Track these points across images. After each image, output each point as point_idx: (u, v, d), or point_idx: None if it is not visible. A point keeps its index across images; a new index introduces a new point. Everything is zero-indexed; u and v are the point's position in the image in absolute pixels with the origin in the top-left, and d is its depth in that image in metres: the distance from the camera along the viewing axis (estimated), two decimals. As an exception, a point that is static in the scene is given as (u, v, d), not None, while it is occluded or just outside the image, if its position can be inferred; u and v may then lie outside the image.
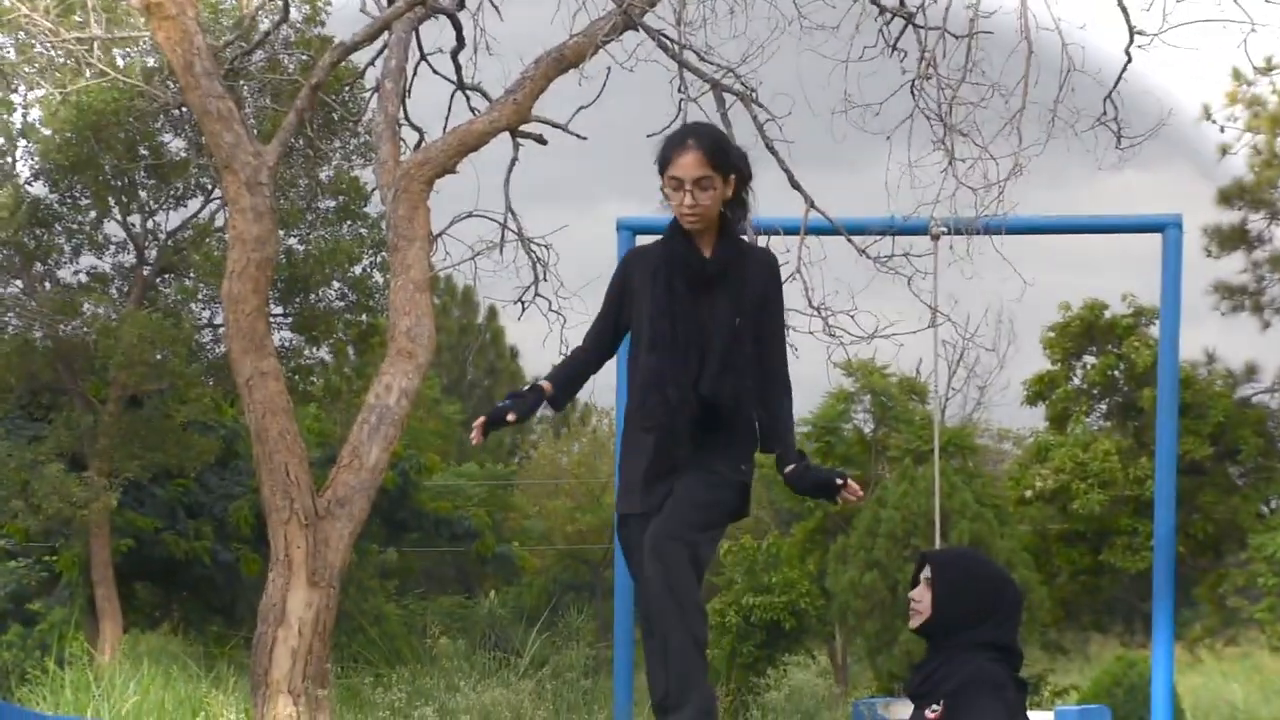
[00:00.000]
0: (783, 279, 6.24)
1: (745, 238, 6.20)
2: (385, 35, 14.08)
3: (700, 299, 5.95)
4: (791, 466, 5.90)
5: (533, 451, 44.65)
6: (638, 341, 6.30)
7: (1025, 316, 29.74)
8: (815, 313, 13.81)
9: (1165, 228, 14.93)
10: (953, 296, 14.64)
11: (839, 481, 5.86)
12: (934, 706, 5.72)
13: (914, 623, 5.87)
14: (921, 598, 5.82)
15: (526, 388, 6.46)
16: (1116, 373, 27.02)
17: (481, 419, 6.30)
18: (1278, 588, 25.14)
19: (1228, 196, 25.98)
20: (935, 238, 13.70)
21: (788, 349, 6.21)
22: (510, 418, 6.24)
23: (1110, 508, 25.81)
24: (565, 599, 32.74)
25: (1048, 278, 36.71)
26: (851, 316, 13.89)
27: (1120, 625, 31.28)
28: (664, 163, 5.94)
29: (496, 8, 14.41)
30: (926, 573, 5.86)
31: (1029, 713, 17.83)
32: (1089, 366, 27.67)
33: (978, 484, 23.23)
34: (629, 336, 6.47)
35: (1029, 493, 26.31)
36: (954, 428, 23.60)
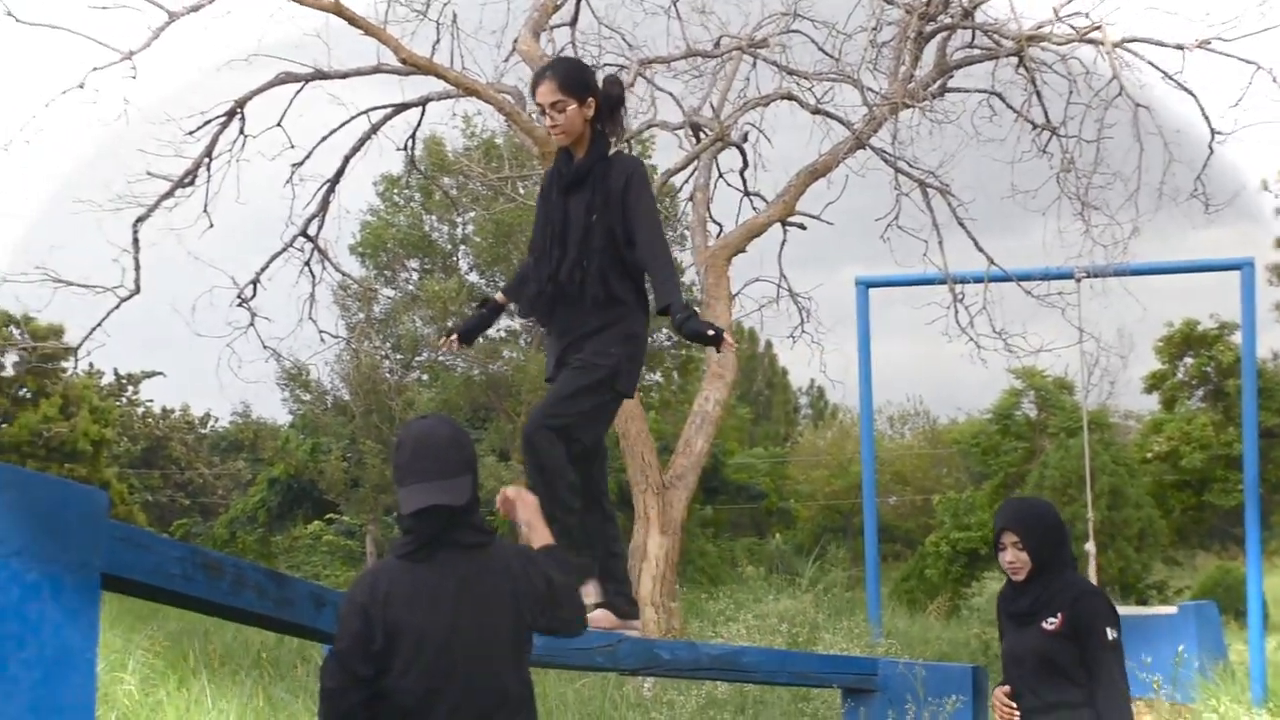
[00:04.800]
0: (647, 178, 4.93)
1: (624, 151, 5.03)
2: (695, 162, 14.03)
3: (569, 201, 4.86)
4: (674, 316, 4.59)
5: (799, 438, 44.22)
6: None
7: (1142, 332, 28.69)
8: (998, 335, 13.54)
9: (1242, 267, 14.50)
10: (1092, 320, 14.32)
11: (710, 334, 4.53)
12: (1050, 620, 4.87)
13: (1020, 576, 5.00)
14: (1016, 558, 4.97)
15: (484, 305, 5.35)
16: (1208, 369, 26.18)
17: (453, 337, 5.26)
18: (1331, 515, 24.35)
19: (1282, 243, 25.05)
20: (1078, 280, 13.34)
21: (663, 229, 4.91)
22: (490, 309, 5.30)
23: (1208, 463, 25.00)
24: (826, 538, 32.28)
25: (1157, 305, 35.48)
26: (1023, 337, 13.72)
27: (1217, 545, 30.09)
28: (532, 92, 4.97)
29: (769, 139, 14.28)
30: (1010, 538, 5.00)
31: (1157, 608, 16.99)
32: (1188, 365, 26.90)
33: (1113, 450, 22.39)
34: None
35: (1150, 455, 25.62)
36: (1094, 411, 22.71)
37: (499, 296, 5.35)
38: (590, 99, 4.82)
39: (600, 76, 4.97)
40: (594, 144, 4.87)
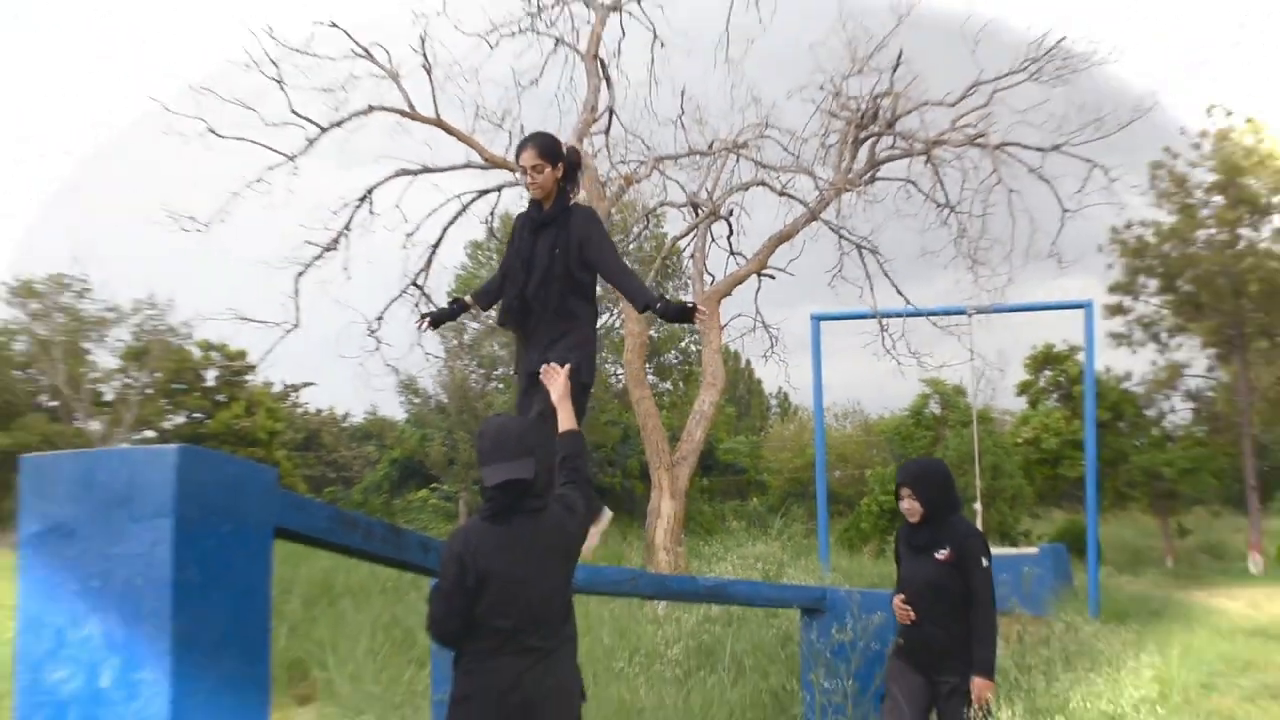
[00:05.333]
0: (600, 222, 4.59)
1: (580, 202, 4.68)
2: (694, 230, 14.05)
3: (537, 239, 4.52)
4: (655, 309, 4.25)
5: (770, 429, 43.96)
6: None
7: (1015, 352, 28.63)
8: (912, 355, 13.50)
9: (1085, 306, 14.49)
10: (979, 344, 14.28)
11: (690, 306, 4.23)
12: (941, 551, 4.75)
13: (915, 519, 4.87)
14: (911, 506, 4.85)
15: (455, 302, 4.90)
16: (1061, 379, 26.17)
17: (426, 318, 4.89)
18: (1146, 482, 24.15)
19: (1113, 289, 24.92)
20: (970, 316, 13.32)
21: (620, 258, 4.51)
22: (458, 306, 4.87)
23: (1060, 446, 24.93)
24: (789, 501, 32.10)
25: (1025, 333, 35.27)
26: (930, 356, 13.66)
27: (1067, 504, 29.89)
28: (516, 157, 4.61)
29: (748, 214, 14.31)
30: (906, 491, 4.87)
31: (1024, 548, 16.82)
32: (1047, 376, 26.84)
33: (994, 437, 22.35)
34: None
35: (1020, 440, 25.55)
36: (981, 409, 22.62)
37: (467, 298, 4.97)
38: (560, 163, 4.57)
39: (565, 147, 4.69)
40: (559, 197, 4.59)
